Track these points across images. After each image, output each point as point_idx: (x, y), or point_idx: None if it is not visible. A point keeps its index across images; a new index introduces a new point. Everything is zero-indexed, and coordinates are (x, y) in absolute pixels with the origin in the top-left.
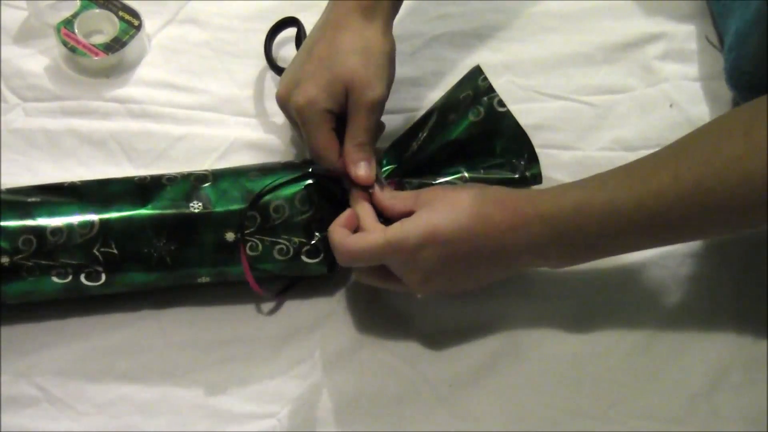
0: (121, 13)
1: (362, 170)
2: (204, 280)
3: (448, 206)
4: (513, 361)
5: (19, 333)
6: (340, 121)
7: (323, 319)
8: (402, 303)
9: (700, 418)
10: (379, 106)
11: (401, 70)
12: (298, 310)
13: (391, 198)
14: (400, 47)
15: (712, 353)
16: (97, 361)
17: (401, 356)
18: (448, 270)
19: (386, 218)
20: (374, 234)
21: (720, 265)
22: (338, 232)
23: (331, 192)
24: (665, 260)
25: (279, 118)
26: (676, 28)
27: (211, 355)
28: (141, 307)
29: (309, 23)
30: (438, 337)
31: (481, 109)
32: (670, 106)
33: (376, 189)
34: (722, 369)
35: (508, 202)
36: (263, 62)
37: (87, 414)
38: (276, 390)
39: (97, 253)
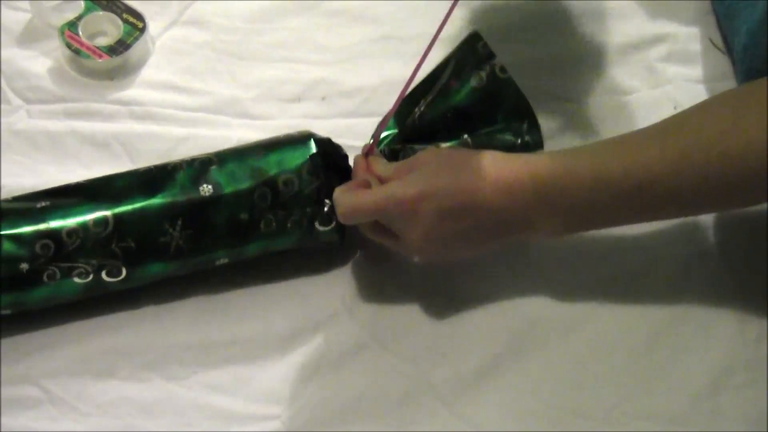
0: (125, 15)
1: None
2: (222, 261)
3: (447, 165)
4: (515, 362)
5: (20, 333)
6: None
7: (326, 320)
8: (404, 304)
9: (702, 419)
10: None
11: (403, 71)
12: (301, 310)
13: (386, 166)
14: (403, 48)
15: (714, 353)
16: (99, 362)
17: (404, 357)
18: (447, 228)
19: None
20: (376, 189)
21: (722, 265)
22: (340, 189)
23: (336, 159)
24: (667, 260)
25: (281, 119)
26: (680, 29)
27: (214, 355)
28: (143, 307)
29: (311, 24)
30: (440, 338)
31: (483, 75)
32: (674, 108)
33: (372, 160)
34: (724, 369)
35: (505, 164)
36: (266, 63)
37: (89, 414)
38: (279, 391)
39: (115, 249)
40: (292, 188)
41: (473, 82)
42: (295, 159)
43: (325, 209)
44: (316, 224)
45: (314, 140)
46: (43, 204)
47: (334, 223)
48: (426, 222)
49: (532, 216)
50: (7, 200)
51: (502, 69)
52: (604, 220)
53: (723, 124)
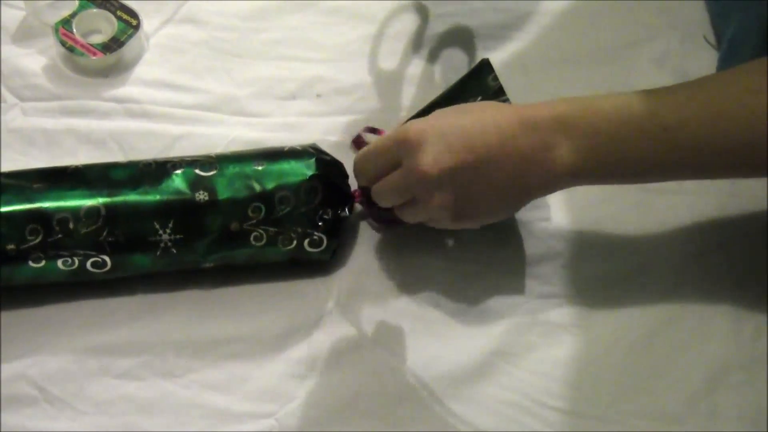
0: (119, 13)
1: None
2: (208, 265)
3: (456, 114)
4: (510, 361)
5: (18, 332)
6: None
7: (321, 319)
8: (399, 303)
9: (699, 418)
10: None
11: (401, 69)
12: (297, 309)
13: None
14: (399, 45)
15: (711, 353)
16: (96, 361)
17: (400, 356)
18: (457, 163)
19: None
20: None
21: (720, 264)
22: None
23: (337, 180)
24: (664, 259)
25: (277, 117)
26: (675, 27)
27: (210, 354)
28: (139, 306)
29: (307, 22)
30: (437, 337)
31: None
32: None
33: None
34: (722, 368)
35: (523, 111)
36: (262, 61)
37: (86, 413)
38: (274, 390)
39: (103, 242)
40: (287, 206)
41: None
42: (294, 176)
43: (317, 232)
44: (306, 244)
45: (317, 160)
46: (39, 185)
47: (324, 245)
48: (435, 149)
49: (551, 154)
50: (3, 173)
51: None
52: (626, 166)
53: (756, 82)
